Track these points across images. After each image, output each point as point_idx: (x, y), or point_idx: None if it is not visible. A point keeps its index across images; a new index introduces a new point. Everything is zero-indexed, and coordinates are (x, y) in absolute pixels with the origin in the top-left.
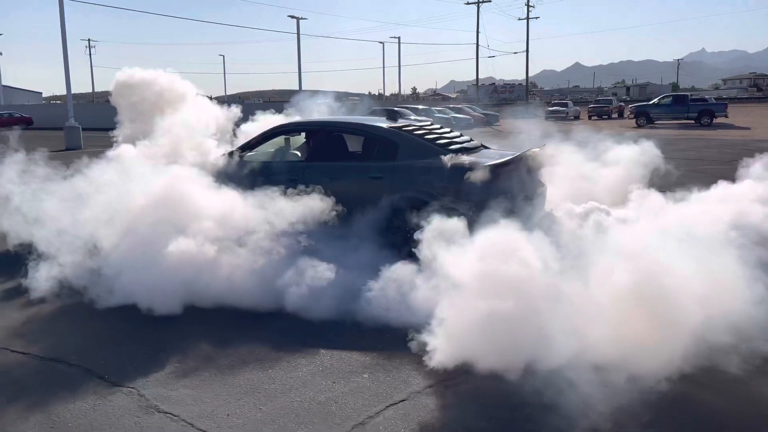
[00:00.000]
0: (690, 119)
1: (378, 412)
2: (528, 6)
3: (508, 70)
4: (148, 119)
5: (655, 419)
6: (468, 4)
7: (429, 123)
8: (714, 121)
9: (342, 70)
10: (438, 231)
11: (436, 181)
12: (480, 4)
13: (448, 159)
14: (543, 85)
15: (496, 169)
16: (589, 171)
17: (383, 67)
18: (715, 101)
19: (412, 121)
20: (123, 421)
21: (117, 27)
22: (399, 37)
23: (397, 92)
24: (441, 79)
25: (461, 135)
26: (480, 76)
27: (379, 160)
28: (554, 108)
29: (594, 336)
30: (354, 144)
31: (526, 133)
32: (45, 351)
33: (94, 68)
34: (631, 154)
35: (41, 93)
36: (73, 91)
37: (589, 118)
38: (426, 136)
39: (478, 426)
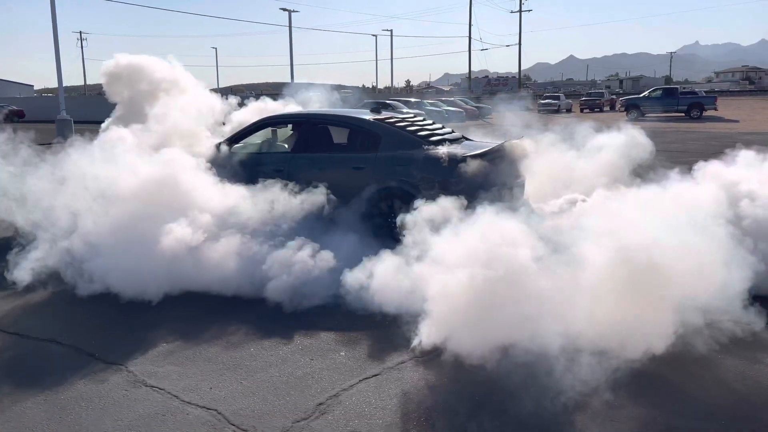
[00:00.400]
0: (680, 112)
1: (352, 385)
2: None
3: (501, 62)
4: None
5: (625, 397)
6: None
7: (412, 115)
8: (704, 114)
9: (335, 63)
10: (418, 218)
11: (416, 171)
12: None
13: (428, 150)
14: (537, 78)
15: (476, 160)
16: (566, 161)
17: (376, 60)
18: (705, 94)
19: (403, 113)
20: (112, 394)
21: (108, 19)
22: (391, 30)
23: (389, 85)
24: (435, 72)
25: (443, 127)
26: (473, 69)
27: (362, 151)
28: (546, 101)
29: (569, 317)
30: (339, 136)
31: (515, 125)
32: (38, 332)
33: (85, 61)
34: (611, 144)
35: (33, 86)
36: (64, 84)
37: (581, 111)
38: (408, 128)
39: (446, 400)
